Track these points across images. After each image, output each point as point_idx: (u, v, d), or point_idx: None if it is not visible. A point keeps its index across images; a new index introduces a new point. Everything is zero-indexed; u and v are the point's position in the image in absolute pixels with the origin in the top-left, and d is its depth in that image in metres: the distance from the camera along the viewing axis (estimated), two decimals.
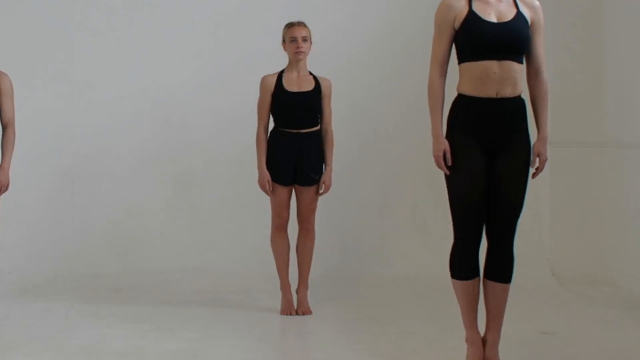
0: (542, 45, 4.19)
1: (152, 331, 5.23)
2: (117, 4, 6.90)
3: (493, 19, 4.04)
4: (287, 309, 5.69)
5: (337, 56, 6.88)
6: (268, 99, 5.65)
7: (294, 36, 5.59)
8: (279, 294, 5.79)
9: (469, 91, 4.07)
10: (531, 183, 4.22)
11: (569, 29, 6.92)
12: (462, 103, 4.10)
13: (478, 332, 4.24)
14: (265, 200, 5.83)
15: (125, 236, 6.86)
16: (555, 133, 6.81)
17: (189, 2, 6.98)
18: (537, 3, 4.18)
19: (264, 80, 5.68)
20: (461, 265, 4.15)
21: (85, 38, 6.85)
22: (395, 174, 7.10)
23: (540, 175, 4.25)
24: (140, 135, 6.92)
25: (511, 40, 4.02)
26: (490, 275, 4.21)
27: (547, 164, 4.22)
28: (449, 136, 4.14)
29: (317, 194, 5.72)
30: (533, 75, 4.19)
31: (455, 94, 4.16)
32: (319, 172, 5.70)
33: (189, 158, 6.98)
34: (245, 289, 6.43)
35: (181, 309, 5.86)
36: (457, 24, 4.07)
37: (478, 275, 4.18)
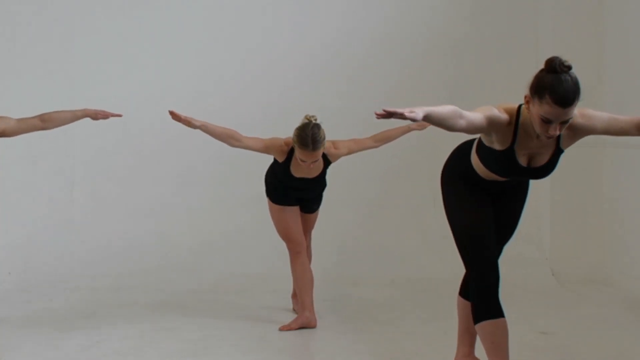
0: (617, 120, 3.97)
1: (152, 331, 5.23)
2: (117, 4, 6.91)
3: (524, 161, 3.71)
4: (307, 324, 5.38)
5: (339, 57, 6.89)
6: (262, 150, 5.26)
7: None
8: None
9: (477, 170, 3.87)
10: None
11: (569, 29, 6.92)
12: (471, 167, 3.90)
13: None
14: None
15: (125, 236, 6.86)
16: None
17: (189, 2, 6.99)
18: (590, 113, 3.83)
19: (276, 147, 5.25)
20: (484, 303, 3.75)
21: (85, 37, 6.86)
22: (395, 174, 7.10)
23: None
24: (140, 135, 6.93)
25: (531, 179, 3.90)
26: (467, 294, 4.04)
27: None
28: (448, 178, 4.00)
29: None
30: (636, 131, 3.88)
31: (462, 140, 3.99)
32: (320, 202, 5.62)
33: (188, 158, 6.98)
34: (245, 289, 6.43)
35: (181, 309, 5.86)
36: (493, 144, 3.70)
37: (504, 315, 3.78)
